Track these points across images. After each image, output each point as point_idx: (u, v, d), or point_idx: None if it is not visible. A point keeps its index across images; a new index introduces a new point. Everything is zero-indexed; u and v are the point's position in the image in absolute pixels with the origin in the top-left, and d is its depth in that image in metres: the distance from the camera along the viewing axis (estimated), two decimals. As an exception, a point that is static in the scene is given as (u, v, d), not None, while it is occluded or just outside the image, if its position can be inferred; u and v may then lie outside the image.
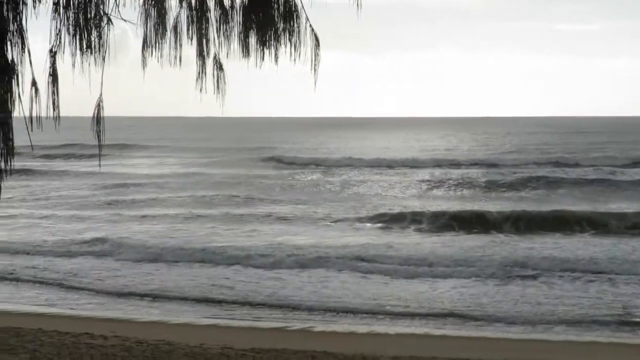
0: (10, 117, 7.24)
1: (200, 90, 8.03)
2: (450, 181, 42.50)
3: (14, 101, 7.25)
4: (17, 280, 19.13)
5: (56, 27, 7.45)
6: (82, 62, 7.53)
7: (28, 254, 22.25)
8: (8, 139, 7.23)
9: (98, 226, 27.61)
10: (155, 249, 22.30)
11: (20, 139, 7.49)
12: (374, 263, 20.23)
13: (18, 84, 7.26)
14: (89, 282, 18.79)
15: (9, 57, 7.24)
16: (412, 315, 15.44)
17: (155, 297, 17.20)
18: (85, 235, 25.28)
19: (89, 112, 8.00)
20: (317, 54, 8.09)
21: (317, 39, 8.08)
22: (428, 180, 43.61)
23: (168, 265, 20.60)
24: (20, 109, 7.24)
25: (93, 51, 7.61)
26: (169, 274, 19.66)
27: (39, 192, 39.59)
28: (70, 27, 7.49)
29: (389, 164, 54.84)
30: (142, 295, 17.39)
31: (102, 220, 29.10)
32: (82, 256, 21.93)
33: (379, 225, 27.88)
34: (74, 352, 10.54)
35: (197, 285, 18.24)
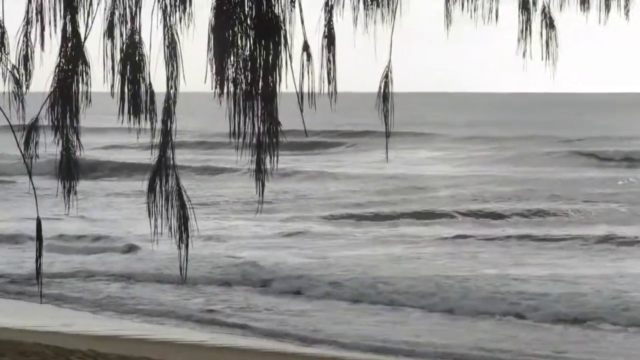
0: (277, 92, 5.58)
1: (524, 54, 6.19)
2: None
3: (280, 70, 5.58)
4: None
5: (335, -26, 5.83)
6: (366, 17, 5.87)
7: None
8: (274, 120, 5.51)
9: (375, 248, 22.65)
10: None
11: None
12: None
13: (286, 48, 5.59)
14: (331, 334, 14.82)
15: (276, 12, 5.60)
16: None
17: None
18: (336, 257, 20.79)
19: (364, 87, 6.33)
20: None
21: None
22: None
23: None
24: (291, 80, 5.57)
25: (380, 4, 5.92)
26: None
27: (295, 197, 33.35)
28: (353, -26, 5.88)
29: None
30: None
31: (382, 241, 23.81)
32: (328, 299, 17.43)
33: None
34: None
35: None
